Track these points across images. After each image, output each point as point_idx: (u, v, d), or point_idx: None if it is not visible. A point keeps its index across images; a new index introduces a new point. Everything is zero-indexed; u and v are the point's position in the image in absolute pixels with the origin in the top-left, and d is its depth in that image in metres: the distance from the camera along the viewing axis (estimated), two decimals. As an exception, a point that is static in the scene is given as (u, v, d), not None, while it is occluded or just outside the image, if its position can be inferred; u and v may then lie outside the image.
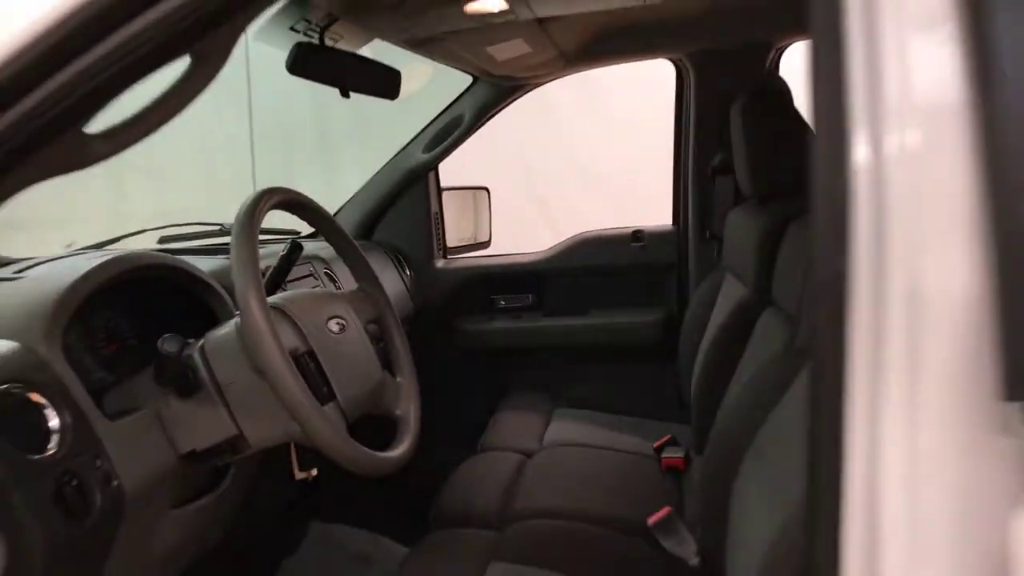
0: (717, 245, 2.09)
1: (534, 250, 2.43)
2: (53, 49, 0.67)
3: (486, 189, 2.58)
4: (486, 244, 2.60)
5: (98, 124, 0.82)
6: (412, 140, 2.24)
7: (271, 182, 1.22)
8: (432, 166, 2.26)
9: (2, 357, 0.90)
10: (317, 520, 1.96)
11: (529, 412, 2.05)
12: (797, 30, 1.95)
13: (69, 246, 1.69)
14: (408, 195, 2.28)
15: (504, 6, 1.40)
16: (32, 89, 0.69)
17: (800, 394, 1.10)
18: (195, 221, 1.98)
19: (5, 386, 0.87)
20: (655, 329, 2.26)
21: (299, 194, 1.20)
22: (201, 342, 1.07)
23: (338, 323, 1.14)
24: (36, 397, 0.90)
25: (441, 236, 2.38)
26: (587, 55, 1.99)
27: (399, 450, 1.14)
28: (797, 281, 1.30)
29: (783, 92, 1.73)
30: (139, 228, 1.85)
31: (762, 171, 1.64)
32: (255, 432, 1.06)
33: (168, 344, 1.02)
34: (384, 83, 1.55)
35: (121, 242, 1.80)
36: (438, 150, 2.20)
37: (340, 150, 4.53)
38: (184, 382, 1.04)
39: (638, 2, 1.53)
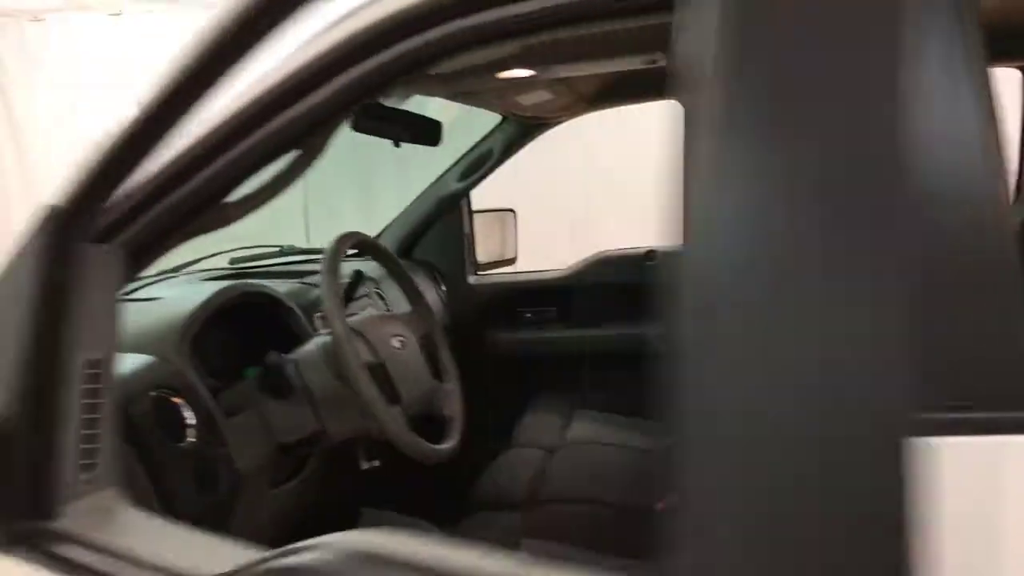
0: None
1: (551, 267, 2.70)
2: (221, 142, 0.92)
3: (512, 211, 2.85)
4: (512, 261, 2.87)
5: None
6: (446, 171, 2.51)
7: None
8: (465, 194, 2.53)
9: (150, 368, 1.18)
10: (368, 506, 2.24)
11: (553, 414, 2.31)
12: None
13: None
14: (443, 219, 2.55)
15: (532, 73, 1.67)
16: (204, 168, 0.95)
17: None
18: (259, 244, 2.27)
19: (156, 391, 1.15)
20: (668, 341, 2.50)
21: (367, 236, 1.48)
22: (294, 356, 1.35)
23: (399, 340, 1.41)
24: (177, 399, 1.18)
25: (472, 254, 2.66)
26: (607, 98, 2.25)
27: (449, 444, 1.41)
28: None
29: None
30: (215, 250, 2.14)
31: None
32: (335, 427, 1.33)
33: (273, 358, 1.30)
34: (428, 133, 1.83)
35: (201, 262, 2.10)
36: (470, 180, 2.47)
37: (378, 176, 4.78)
38: (282, 388, 1.31)
39: (650, 64, 1.79)
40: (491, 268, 2.78)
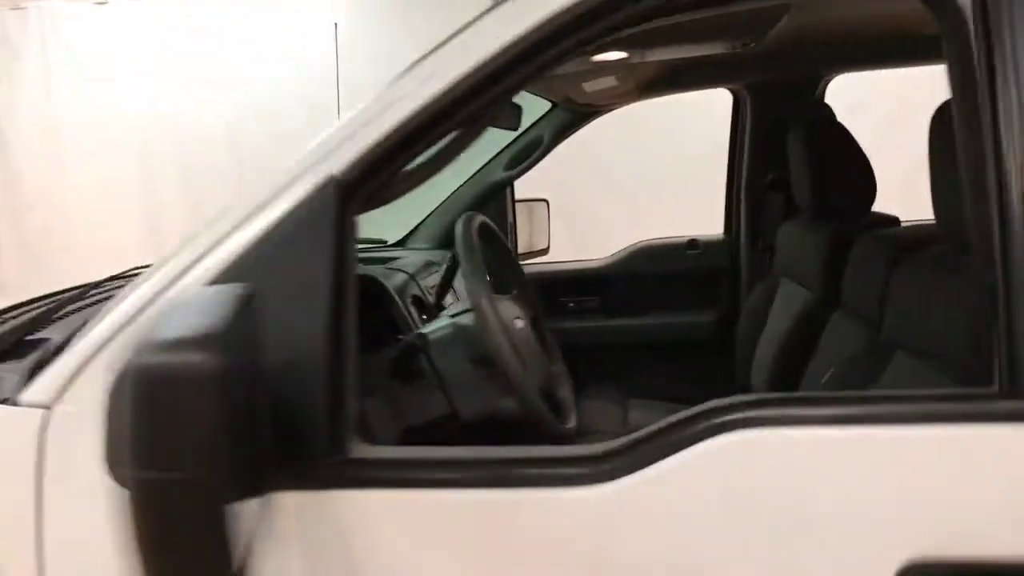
0: (769, 254, 2.37)
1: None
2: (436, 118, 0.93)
3: (546, 201, 2.84)
4: (545, 251, 2.86)
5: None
6: (493, 158, 2.49)
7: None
8: (511, 182, 2.52)
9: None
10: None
11: (608, 402, 2.31)
12: (844, 64, 2.24)
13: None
14: (488, 207, 2.53)
15: (624, 55, 1.67)
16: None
17: (887, 387, 1.35)
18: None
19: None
20: (709, 329, 2.54)
21: (485, 219, 1.46)
22: (423, 340, 1.32)
23: (520, 321, 1.40)
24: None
25: (515, 243, 2.64)
26: (660, 86, 2.26)
27: (571, 423, 1.40)
28: (876, 285, 1.56)
29: (836, 120, 2.01)
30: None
31: (822, 190, 1.91)
32: (467, 409, 1.31)
33: (404, 342, 1.28)
34: (510, 118, 1.81)
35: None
36: (518, 168, 2.45)
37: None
38: (413, 371, 1.29)
39: (726, 49, 1.80)
40: (526, 258, 2.77)
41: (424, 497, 0.87)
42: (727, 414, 0.84)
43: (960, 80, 0.90)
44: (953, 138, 1.18)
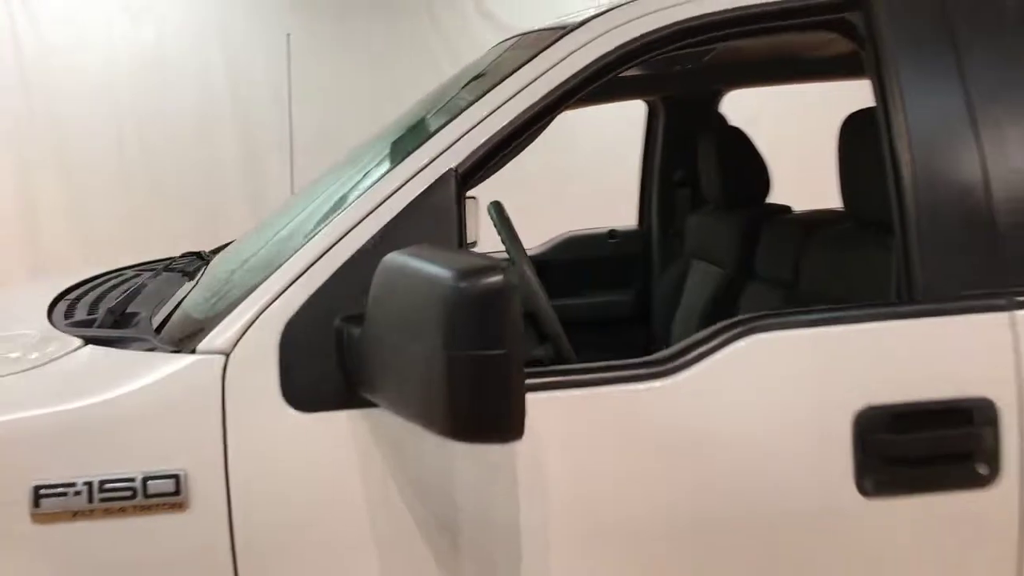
0: (679, 241, 2.79)
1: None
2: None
3: (474, 198, 3.16)
4: (474, 244, 3.18)
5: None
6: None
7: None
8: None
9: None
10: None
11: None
12: (739, 82, 2.69)
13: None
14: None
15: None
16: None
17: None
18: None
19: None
20: (627, 306, 2.94)
21: (501, 204, 1.77)
22: None
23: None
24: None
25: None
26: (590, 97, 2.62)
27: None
28: (791, 256, 1.98)
29: (738, 127, 2.45)
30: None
31: (729, 185, 2.35)
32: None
33: None
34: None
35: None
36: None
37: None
38: None
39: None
40: (460, 250, 3.07)
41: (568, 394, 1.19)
42: (745, 324, 1.21)
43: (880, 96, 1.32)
44: (859, 140, 1.63)
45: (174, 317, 1.37)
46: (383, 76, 5.19)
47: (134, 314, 1.49)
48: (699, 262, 2.56)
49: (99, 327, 1.39)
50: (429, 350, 0.94)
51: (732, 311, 2.26)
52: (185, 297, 1.47)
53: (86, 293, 1.74)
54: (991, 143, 1.27)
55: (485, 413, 0.94)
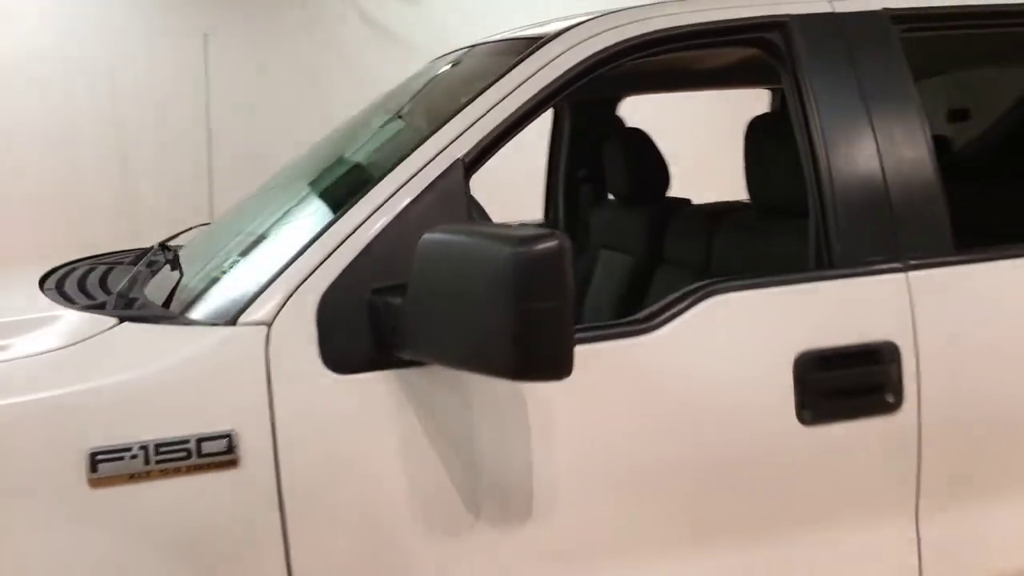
0: (584, 232, 3.05)
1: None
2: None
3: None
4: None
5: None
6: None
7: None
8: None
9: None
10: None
11: None
12: (635, 90, 2.99)
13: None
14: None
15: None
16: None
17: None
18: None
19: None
20: None
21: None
22: None
23: None
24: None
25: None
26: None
27: None
28: (702, 242, 2.27)
29: (641, 130, 2.74)
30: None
31: (635, 181, 2.64)
32: None
33: None
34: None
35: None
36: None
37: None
38: None
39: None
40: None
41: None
42: (706, 289, 1.46)
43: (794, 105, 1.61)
44: (763, 140, 1.94)
45: (185, 295, 1.47)
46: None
47: (134, 297, 1.56)
48: (608, 251, 2.83)
49: (115, 309, 1.47)
50: (493, 306, 1.12)
51: (645, 292, 2.55)
52: (181, 279, 1.55)
53: (63, 279, 1.78)
54: (884, 139, 1.59)
55: (544, 355, 1.13)
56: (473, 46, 2.02)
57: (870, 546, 1.54)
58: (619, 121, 3.00)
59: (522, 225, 1.44)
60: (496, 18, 4.61)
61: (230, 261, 1.55)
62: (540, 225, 3.17)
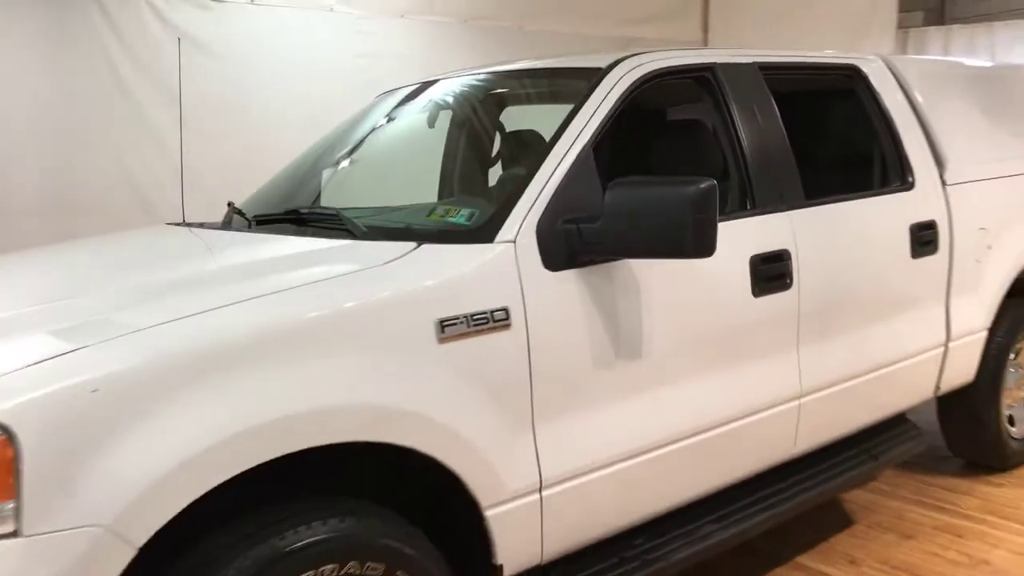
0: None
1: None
2: None
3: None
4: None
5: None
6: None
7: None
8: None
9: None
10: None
11: None
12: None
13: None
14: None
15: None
16: None
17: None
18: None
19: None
20: None
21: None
22: None
23: None
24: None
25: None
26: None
27: None
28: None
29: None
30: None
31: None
32: None
33: None
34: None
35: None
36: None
37: None
38: None
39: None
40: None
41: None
42: None
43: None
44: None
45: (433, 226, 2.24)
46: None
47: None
48: None
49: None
50: (679, 218, 2.06)
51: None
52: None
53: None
54: (768, 136, 2.80)
55: (708, 243, 2.10)
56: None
57: (779, 366, 2.74)
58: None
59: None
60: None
61: (472, 212, 2.30)
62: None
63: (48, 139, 5.14)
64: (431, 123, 3.17)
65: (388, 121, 3.15)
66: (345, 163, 3.04)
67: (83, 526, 1.52)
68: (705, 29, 8.50)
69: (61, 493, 1.52)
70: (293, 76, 5.89)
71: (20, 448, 1.49)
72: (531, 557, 2.18)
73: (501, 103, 3.30)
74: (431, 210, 2.44)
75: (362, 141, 3.15)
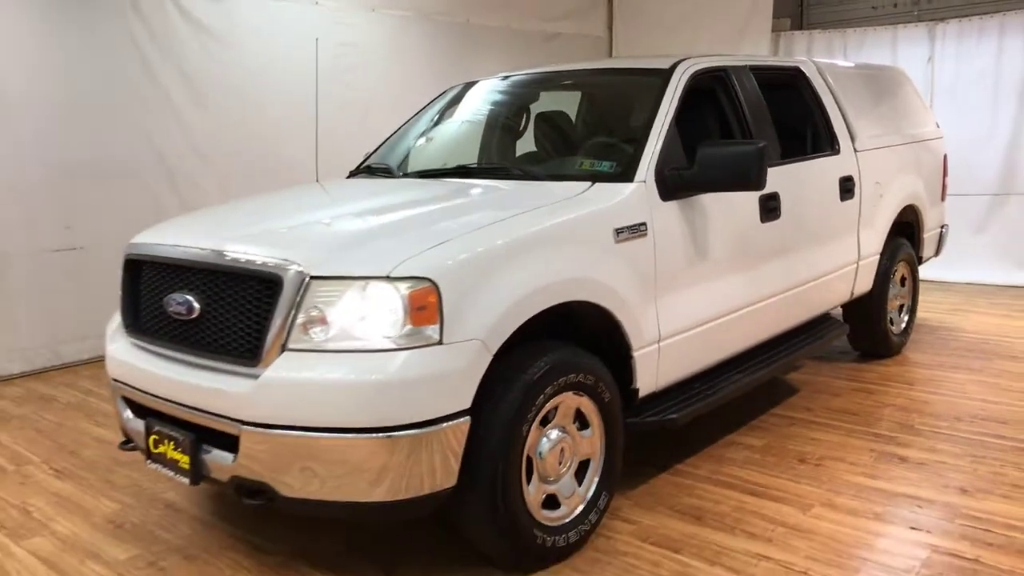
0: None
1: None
2: None
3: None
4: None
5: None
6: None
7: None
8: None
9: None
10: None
11: None
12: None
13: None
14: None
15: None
16: None
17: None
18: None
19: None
20: None
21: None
22: None
23: None
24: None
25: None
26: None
27: None
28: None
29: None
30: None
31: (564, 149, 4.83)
32: None
33: None
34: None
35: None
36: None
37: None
38: None
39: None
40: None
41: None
42: None
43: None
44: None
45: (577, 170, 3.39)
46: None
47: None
48: None
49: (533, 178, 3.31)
50: (747, 165, 3.31)
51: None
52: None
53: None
54: (755, 114, 4.12)
55: (764, 179, 3.37)
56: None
57: (775, 269, 4.07)
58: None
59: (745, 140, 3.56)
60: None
61: (611, 163, 3.45)
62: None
63: (82, 115, 5.77)
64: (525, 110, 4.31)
65: (494, 106, 4.27)
66: (473, 135, 4.13)
67: (471, 339, 2.61)
68: (610, 27, 9.89)
69: (459, 320, 2.59)
70: (286, 60, 6.76)
71: (441, 294, 2.56)
72: (652, 386, 3.40)
73: (580, 92, 4.50)
74: (580, 163, 3.59)
75: (481, 122, 4.30)
